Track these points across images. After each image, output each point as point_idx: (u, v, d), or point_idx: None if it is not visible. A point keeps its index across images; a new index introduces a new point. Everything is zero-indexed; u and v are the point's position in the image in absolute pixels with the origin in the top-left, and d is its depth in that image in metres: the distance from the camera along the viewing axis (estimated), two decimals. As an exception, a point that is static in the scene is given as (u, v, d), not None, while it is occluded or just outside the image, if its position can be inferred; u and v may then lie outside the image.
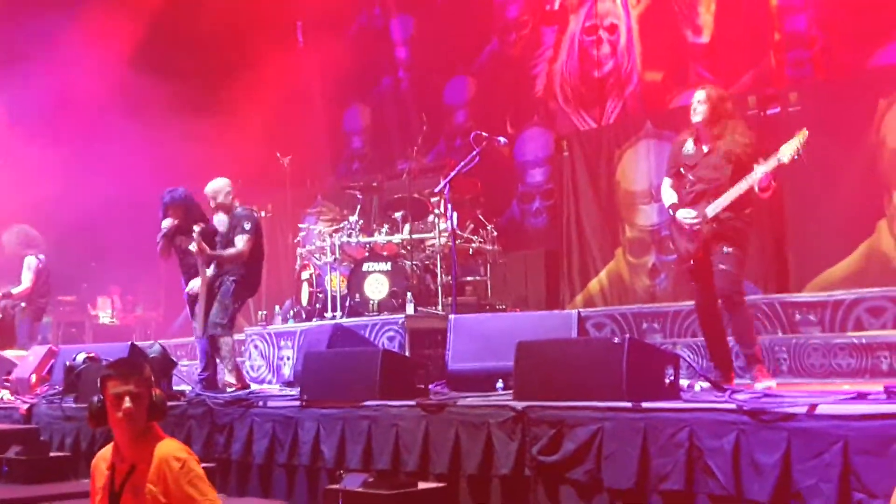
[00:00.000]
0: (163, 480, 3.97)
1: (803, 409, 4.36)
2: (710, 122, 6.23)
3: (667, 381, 5.31)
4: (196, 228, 7.79)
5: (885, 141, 8.66)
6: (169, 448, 4.05)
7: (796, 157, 5.83)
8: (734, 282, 6.12)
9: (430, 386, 6.71)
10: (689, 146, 6.37)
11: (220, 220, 8.08)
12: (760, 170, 5.93)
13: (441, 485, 5.47)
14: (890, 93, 8.70)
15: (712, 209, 6.09)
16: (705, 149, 6.25)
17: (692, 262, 6.27)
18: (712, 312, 6.35)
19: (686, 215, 6.22)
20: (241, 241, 7.89)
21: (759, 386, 5.75)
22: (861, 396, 4.66)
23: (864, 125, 8.76)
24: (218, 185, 8.14)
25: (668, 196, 6.51)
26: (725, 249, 6.09)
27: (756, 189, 5.99)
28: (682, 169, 6.37)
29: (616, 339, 5.32)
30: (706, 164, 6.23)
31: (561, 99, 12.54)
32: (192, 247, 7.78)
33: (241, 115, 12.74)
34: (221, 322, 7.90)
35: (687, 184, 6.34)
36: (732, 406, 4.60)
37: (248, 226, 7.92)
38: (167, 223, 8.28)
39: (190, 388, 8.16)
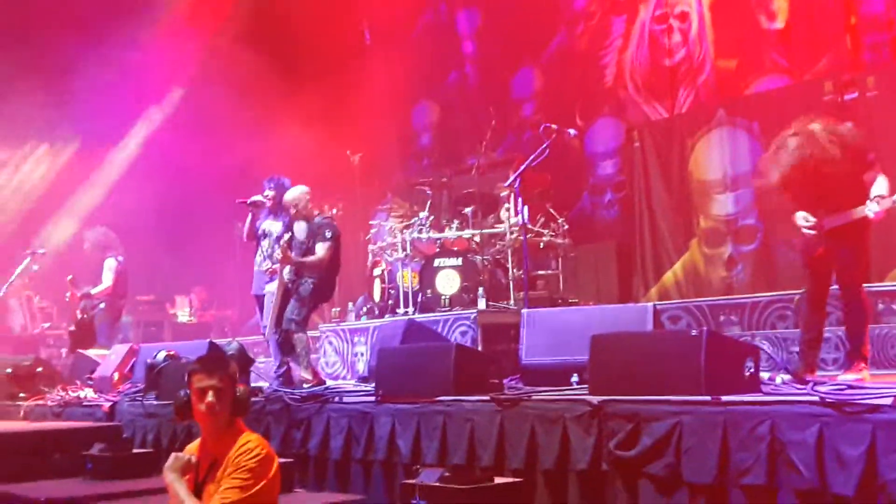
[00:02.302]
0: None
1: (888, 401, 4.25)
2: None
3: (746, 373, 5.22)
4: (285, 237, 8.10)
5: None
6: (248, 441, 4.11)
7: None
8: (854, 279, 6.02)
9: (504, 381, 6.70)
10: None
11: (300, 228, 8.22)
12: (872, 208, 5.76)
13: (517, 480, 5.45)
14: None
15: (830, 223, 5.94)
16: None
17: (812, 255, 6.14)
18: (820, 305, 6.21)
19: (803, 222, 6.04)
20: (321, 249, 8.08)
21: (843, 377, 5.62)
22: (948, 387, 4.52)
23: (946, 108, 8.51)
24: (298, 194, 8.35)
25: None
26: (845, 248, 5.96)
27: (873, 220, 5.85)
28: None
29: (693, 332, 5.24)
30: (825, 167, 5.94)
31: (631, 89, 12.40)
32: (278, 254, 8.04)
33: (312, 113, 12.85)
34: (297, 319, 8.03)
35: (810, 181, 6.08)
36: (815, 398, 4.51)
37: (329, 234, 8.13)
38: (257, 197, 8.72)
39: (267, 384, 8.27)
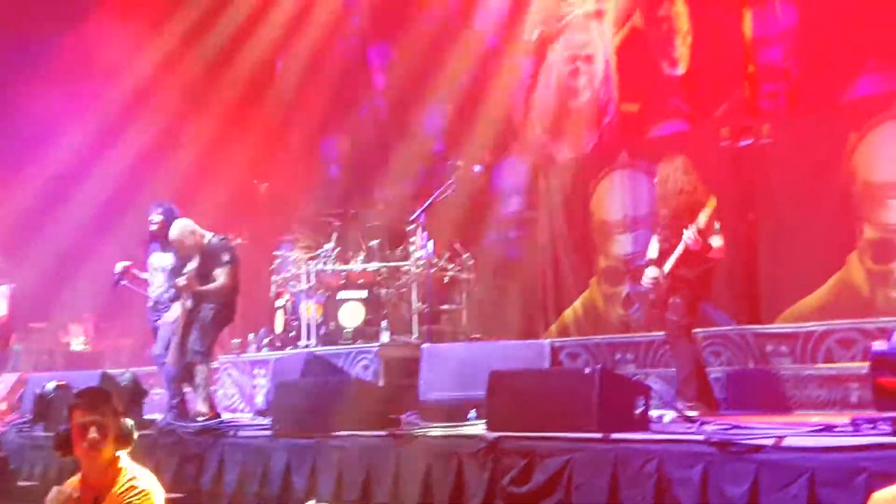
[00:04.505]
0: None
1: (770, 442, 4.38)
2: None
3: (637, 411, 5.32)
4: (190, 266, 7.84)
5: (855, 174, 8.73)
6: (132, 477, 4.01)
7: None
8: (675, 329, 6.62)
9: (403, 416, 6.69)
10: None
11: (193, 264, 7.95)
12: (686, 234, 6.38)
13: (411, 516, 5.44)
14: (860, 126, 8.77)
15: (667, 266, 6.56)
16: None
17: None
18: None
19: (648, 275, 6.73)
20: (222, 274, 7.90)
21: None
22: (828, 428, 4.69)
23: (836, 158, 8.82)
24: (180, 231, 8.04)
25: (652, 249, 6.91)
26: (672, 300, 6.57)
27: (692, 248, 6.42)
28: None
29: (587, 370, 5.34)
30: (668, 222, 6.67)
31: (538, 128, 12.58)
32: (182, 281, 7.81)
33: (218, 141, 12.72)
34: (200, 350, 7.89)
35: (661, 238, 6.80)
36: (700, 437, 4.62)
37: (226, 258, 7.95)
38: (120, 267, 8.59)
39: (160, 416, 8.10)
